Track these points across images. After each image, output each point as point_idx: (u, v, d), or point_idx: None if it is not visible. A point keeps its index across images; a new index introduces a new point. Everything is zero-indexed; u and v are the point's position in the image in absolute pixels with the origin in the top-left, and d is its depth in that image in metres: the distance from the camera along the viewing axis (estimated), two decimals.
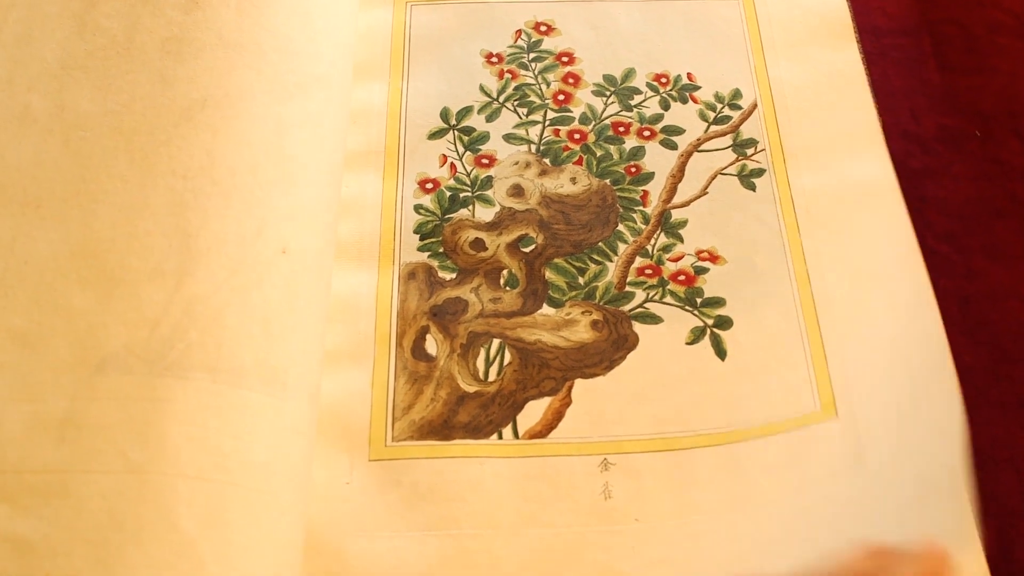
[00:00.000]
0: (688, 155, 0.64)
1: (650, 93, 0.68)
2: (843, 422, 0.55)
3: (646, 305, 0.60)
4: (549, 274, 0.61)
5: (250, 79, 0.57)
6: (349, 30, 0.67)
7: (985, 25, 0.72)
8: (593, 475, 0.55)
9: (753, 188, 0.64)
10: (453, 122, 0.67)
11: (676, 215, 0.63)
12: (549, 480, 0.54)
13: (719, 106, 0.66)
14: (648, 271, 0.61)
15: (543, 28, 0.70)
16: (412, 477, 0.54)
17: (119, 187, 0.53)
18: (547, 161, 0.65)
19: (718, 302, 0.60)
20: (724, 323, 0.60)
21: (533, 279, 0.60)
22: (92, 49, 0.57)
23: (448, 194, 0.64)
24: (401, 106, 0.67)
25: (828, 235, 0.62)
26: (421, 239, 0.62)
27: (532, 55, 0.69)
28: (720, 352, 0.59)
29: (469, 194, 0.64)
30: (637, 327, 0.59)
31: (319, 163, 0.59)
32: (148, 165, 0.53)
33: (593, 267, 0.61)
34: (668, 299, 0.60)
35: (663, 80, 0.68)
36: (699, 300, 0.60)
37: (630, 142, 0.66)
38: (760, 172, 0.64)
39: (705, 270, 0.61)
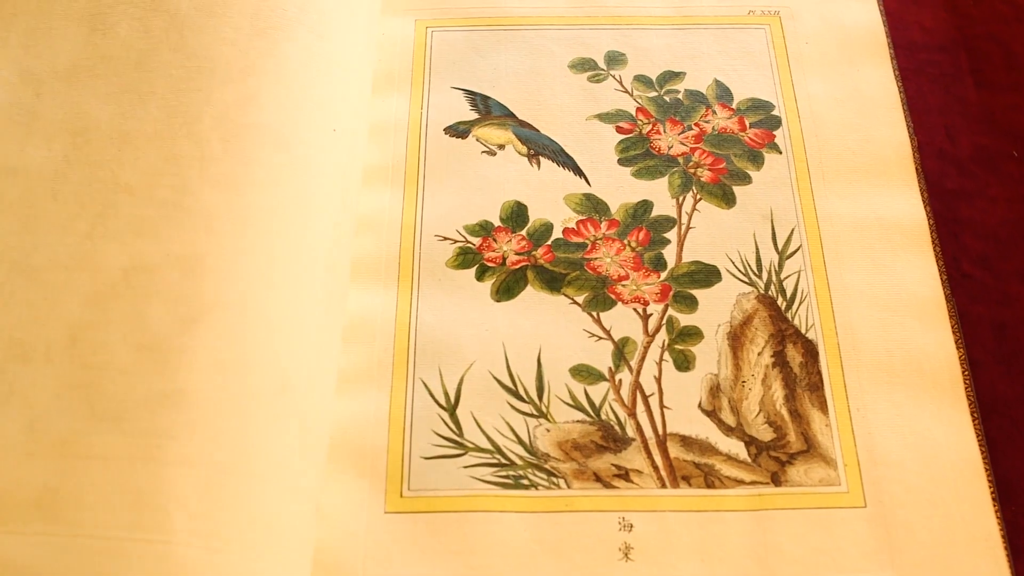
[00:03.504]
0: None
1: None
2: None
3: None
4: None
5: (266, 93, 0.56)
6: (368, 43, 0.66)
7: (1023, 42, 0.70)
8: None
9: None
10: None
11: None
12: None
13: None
14: None
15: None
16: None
17: (125, 199, 0.52)
18: None
19: None
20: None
21: None
22: (103, 55, 0.56)
23: None
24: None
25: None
26: None
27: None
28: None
29: None
30: None
31: (335, 178, 0.58)
32: (156, 178, 0.52)
33: None
34: None
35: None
36: None
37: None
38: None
39: None
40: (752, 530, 0.53)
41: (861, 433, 0.56)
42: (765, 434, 0.56)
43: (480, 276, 0.60)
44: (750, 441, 0.56)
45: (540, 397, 0.57)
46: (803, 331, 0.59)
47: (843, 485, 0.54)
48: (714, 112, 0.66)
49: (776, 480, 0.55)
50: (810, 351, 0.58)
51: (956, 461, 0.55)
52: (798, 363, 0.58)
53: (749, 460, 0.55)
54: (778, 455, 0.55)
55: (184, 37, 0.57)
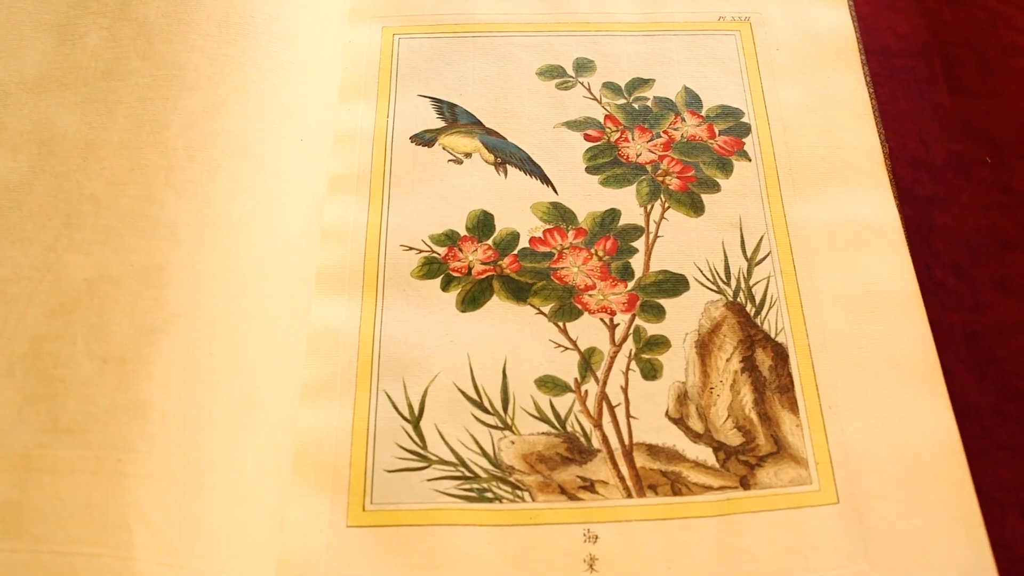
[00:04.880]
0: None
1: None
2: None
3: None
4: None
5: (233, 101, 0.55)
6: (336, 51, 0.65)
7: (998, 47, 0.70)
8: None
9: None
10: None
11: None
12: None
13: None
14: None
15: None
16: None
17: (91, 211, 0.51)
18: None
19: None
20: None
21: None
22: (72, 64, 0.56)
23: None
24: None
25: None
26: None
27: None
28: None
29: None
30: None
31: (302, 187, 0.57)
32: (121, 187, 0.52)
33: None
34: None
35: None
36: None
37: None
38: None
39: None
40: (721, 535, 0.53)
41: (833, 430, 0.55)
42: (734, 439, 0.56)
43: (445, 286, 0.60)
44: (718, 446, 0.55)
45: (505, 409, 0.56)
46: (773, 335, 0.58)
47: (815, 483, 0.54)
48: (683, 119, 0.66)
49: (745, 484, 0.54)
50: (780, 354, 0.58)
51: (934, 448, 0.54)
52: (767, 367, 0.57)
53: (717, 465, 0.55)
54: (747, 459, 0.55)
55: (152, 45, 0.56)
